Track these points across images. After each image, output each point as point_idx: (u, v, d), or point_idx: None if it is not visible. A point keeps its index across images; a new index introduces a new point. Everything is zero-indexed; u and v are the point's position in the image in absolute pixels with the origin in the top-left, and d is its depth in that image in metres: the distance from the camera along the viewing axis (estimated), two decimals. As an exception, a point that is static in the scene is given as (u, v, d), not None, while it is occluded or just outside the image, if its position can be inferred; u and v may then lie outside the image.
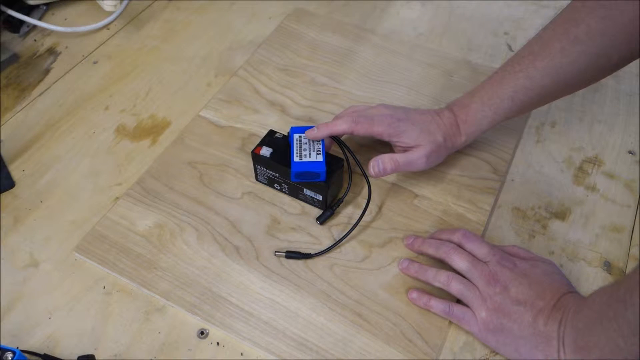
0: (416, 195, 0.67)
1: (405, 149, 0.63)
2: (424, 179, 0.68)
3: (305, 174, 0.61)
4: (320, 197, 0.64)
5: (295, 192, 0.66)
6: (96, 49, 0.85)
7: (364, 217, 0.63)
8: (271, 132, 0.66)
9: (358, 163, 0.64)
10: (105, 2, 0.85)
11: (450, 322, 0.57)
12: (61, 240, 0.64)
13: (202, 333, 0.57)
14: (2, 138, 0.73)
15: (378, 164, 0.62)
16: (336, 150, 0.66)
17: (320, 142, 0.63)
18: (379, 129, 0.62)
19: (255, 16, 0.89)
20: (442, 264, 0.59)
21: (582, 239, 0.64)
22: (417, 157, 0.62)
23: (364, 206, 0.63)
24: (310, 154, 0.62)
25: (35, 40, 0.86)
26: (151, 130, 0.74)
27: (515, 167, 0.70)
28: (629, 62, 0.59)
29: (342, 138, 0.65)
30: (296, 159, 0.62)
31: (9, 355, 0.50)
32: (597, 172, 0.70)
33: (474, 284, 0.55)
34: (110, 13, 0.86)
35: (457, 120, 0.65)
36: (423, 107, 0.68)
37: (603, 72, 0.61)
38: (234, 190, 0.67)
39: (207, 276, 0.60)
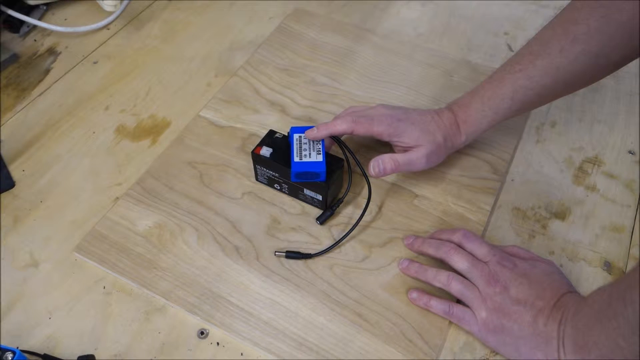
0: (416, 195, 0.67)
1: (405, 149, 0.63)
2: (424, 179, 0.68)
3: (305, 174, 0.61)
4: (320, 197, 0.64)
5: (295, 192, 0.66)
6: (96, 49, 0.85)
7: (364, 217, 0.63)
8: (271, 132, 0.66)
9: (358, 163, 0.64)
10: (105, 2, 0.85)
11: (450, 322, 0.57)
12: (61, 240, 0.64)
13: (202, 333, 0.57)
14: (2, 138, 0.73)
15: (378, 164, 0.62)
16: (336, 150, 0.66)
17: (320, 142, 0.63)
18: (379, 129, 0.62)
19: (255, 16, 0.89)
20: (442, 264, 0.59)
21: (582, 239, 0.64)
22: (417, 157, 0.62)
23: (364, 206, 0.63)
24: (310, 154, 0.62)
25: (35, 40, 0.86)
26: (151, 130, 0.74)
27: (515, 167, 0.70)
28: (629, 62, 0.59)
29: (342, 138, 0.65)
30: (296, 159, 0.62)
31: (9, 356, 0.50)
32: (597, 172, 0.70)
33: (474, 284, 0.55)
34: (110, 13, 0.86)
35: (457, 120, 0.65)
36: (423, 107, 0.68)
37: (603, 71, 0.61)
38: (234, 190, 0.67)
39: (207, 276, 0.60)
